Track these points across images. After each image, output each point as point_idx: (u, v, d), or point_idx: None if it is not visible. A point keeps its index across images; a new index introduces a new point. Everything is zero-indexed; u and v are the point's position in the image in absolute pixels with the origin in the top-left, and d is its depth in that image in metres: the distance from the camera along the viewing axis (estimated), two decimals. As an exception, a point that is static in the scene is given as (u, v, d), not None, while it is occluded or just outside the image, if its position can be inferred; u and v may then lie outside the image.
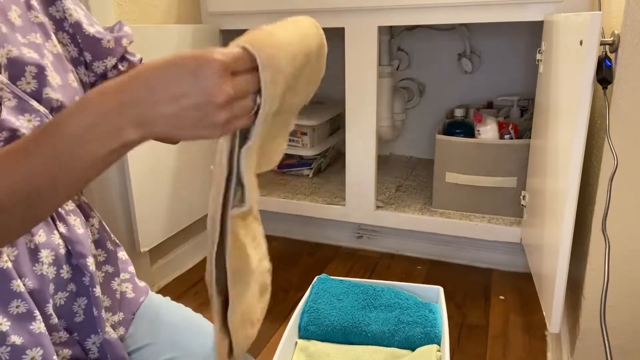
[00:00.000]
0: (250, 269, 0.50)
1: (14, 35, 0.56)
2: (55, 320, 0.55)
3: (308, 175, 1.97)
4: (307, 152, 1.95)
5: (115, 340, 0.60)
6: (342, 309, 0.86)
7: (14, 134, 0.52)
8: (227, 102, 0.39)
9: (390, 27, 1.87)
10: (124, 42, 0.67)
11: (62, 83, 0.58)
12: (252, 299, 0.52)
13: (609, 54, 0.92)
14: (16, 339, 0.50)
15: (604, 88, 0.92)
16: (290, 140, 1.96)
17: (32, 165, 0.41)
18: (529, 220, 1.39)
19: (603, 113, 0.92)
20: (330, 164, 2.12)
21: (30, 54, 0.56)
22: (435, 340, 0.81)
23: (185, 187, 1.52)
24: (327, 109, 2.05)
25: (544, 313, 1.06)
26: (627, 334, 0.97)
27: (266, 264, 0.57)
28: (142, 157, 1.35)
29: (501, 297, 1.44)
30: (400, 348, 0.83)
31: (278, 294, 1.47)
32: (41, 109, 0.55)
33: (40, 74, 0.56)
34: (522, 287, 1.48)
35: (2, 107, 0.52)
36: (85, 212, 0.63)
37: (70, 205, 0.61)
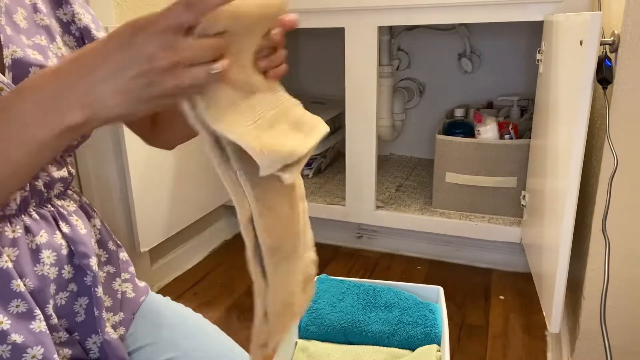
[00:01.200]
0: (292, 247, 0.47)
1: (19, 36, 0.56)
2: (55, 320, 0.55)
3: (308, 175, 1.97)
4: (307, 152, 1.94)
5: (115, 340, 0.60)
6: (342, 309, 0.86)
7: None
8: (171, 66, 0.37)
9: (390, 27, 1.87)
10: None
11: None
12: (295, 287, 0.50)
13: (609, 54, 0.92)
14: (17, 338, 0.50)
15: (604, 88, 0.92)
16: (290, 140, 1.96)
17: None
18: (529, 220, 1.39)
19: (603, 113, 0.92)
20: (330, 164, 2.12)
21: (34, 55, 0.56)
22: (435, 340, 0.81)
23: (185, 187, 1.52)
24: (327, 109, 2.05)
25: (544, 313, 1.07)
26: (627, 334, 0.97)
27: (312, 255, 0.54)
28: (142, 157, 1.35)
29: (501, 297, 1.44)
30: (400, 348, 0.83)
31: (278, 294, 1.47)
32: None
33: None
34: (522, 287, 1.48)
35: None
36: (87, 212, 0.64)
37: (72, 206, 0.61)
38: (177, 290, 1.52)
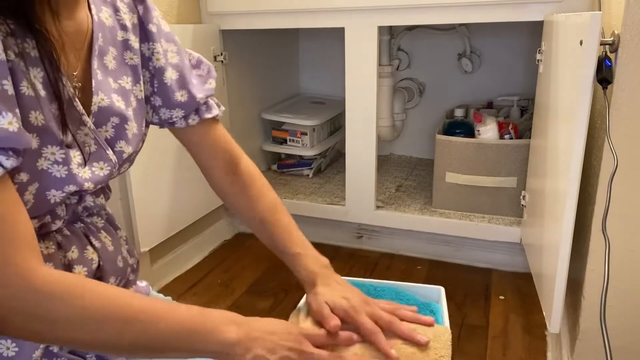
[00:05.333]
0: None
1: (107, 80, 0.58)
2: None
3: (308, 175, 1.97)
4: (307, 152, 1.95)
5: None
6: None
7: (82, 189, 0.54)
8: (302, 352, 0.54)
9: (390, 27, 1.87)
10: (199, 96, 0.67)
11: (137, 132, 0.61)
12: None
13: (609, 54, 0.92)
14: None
15: (604, 88, 0.92)
16: (290, 140, 1.96)
17: (180, 340, 0.49)
18: (529, 220, 1.39)
19: (603, 113, 0.92)
20: (330, 164, 2.12)
21: (118, 104, 0.58)
22: None
23: (185, 187, 1.52)
24: (327, 109, 2.05)
25: (544, 313, 1.07)
26: (627, 334, 0.97)
27: None
28: (142, 157, 1.34)
29: (501, 297, 1.44)
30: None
31: (278, 294, 1.47)
32: (113, 158, 0.58)
33: (121, 126, 0.58)
34: (522, 287, 1.48)
35: (83, 152, 0.54)
36: (114, 225, 0.66)
37: (100, 222, 0.63)
38: (177, 290, 1.52)
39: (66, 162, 0.52)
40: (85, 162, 0.54)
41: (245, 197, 0.72)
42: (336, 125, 2.13)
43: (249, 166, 0.74)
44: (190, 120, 0.68)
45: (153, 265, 1.52)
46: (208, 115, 0.69)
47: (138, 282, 0.70)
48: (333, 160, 2.15)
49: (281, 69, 2.15)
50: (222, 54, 1.64)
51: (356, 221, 1.69)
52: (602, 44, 0.90)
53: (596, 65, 0.85)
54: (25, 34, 0.47)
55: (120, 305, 0.47)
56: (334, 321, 0.61)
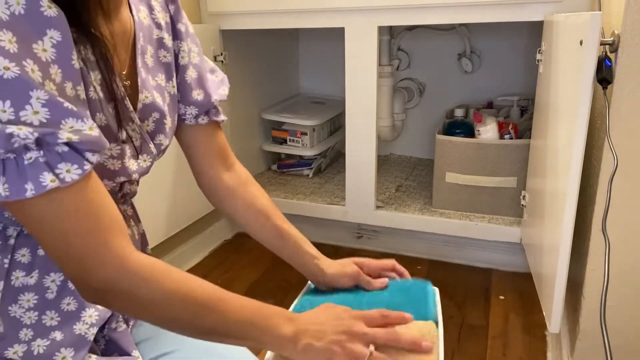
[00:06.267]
0: None
1: (148, 77, 0.61)
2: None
3: (308, 175, 1.97)
4: (307, 152, 1.95)
5: (124, 331, 0.62)
6: (337, 301, 0.81)
7: (129, 180, 0.58)
8: (354, 334, 0.55)
9: (390, 27, 1.87)
10: (214, 98, 0.71)
11: (171, 125, 0.65)
12: None
13: (609, 54, 0.92)
14: (57, 335, 0.54)
15: (604, 88, 0.92)
16: (290, 140, 1.96)
17: (241, 331, 0.53)
18: (529, 220, 1.40)
19: (603, 113, 0.92)
20: (330, 164, 2.12)
21: (159, 100, 0.62)
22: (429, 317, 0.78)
23: (185, 187, 1.52)
24: (327, 109, 2.05)
25: (544, 313, 1.06)
26: (627, 334, 0.97)
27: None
28: (142, 157, 1.35)
29: (501, 297, 1.44)
30: None
31: (277, 294, 1.47)
32: (154, 150, 0.62)
33: (160, 121, 0.62)
34: (522, 287, 1.48)
35: (135, 147, 0.58)
36: (138, 218, 0.69)
37: (129, 210, 0.67)
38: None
39: (121, 156, 0.56)
40: (137, 154, 0.59)
41: (243, 191, 0.76)
42: (336, 125, 2.13)
43: (243, 168, 0.79)
44: (199, 120, 0.71)
45: (153, 265, 1.52)
46: (216, 119, 0.72)
47: None
48: (333, 160, 2.15)
49: (281, 69, 2.15)
50: (222, 54, 1.64)
51: (356, 221, 1.69)
52: (602, 44, 0.91)
53: (596, 65, 0.85)
54: (83, 39, 0.50)
55: (196, 291, 0.51)
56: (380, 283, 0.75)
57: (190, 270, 1.64)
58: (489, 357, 1.21)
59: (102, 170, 0.54)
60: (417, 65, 2.06)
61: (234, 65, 1.75)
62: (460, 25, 1.87)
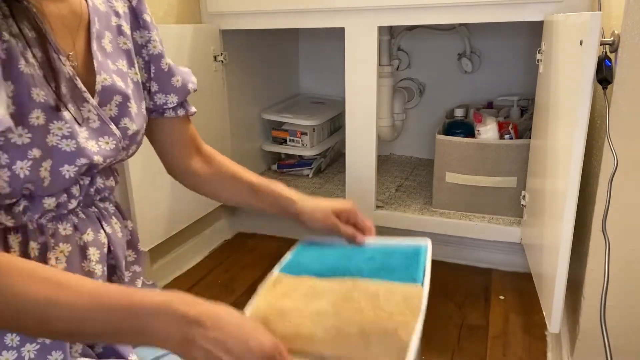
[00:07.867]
0: None
1: (107, 61, 0.61)
2: None
3: (308, 175, 1.97)
4: (307, 152, 1.95)
5: None
6: (323, 263, 0.77)
7: (92, 162, 0.57)
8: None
9: (390, 27, 1.87)
10: (190, 86, 0.73)
11: (137, 112, 0.64)
12: None
13: (609, 54, 0.92)
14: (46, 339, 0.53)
15: (604, 88, 0.92)
16: (290, 140, 1.96)
17: (96, 318, 0.48)
18: (529, 220, 1.40)
19: (603, 113, 0.92)
20: (330, 164, 2.12)
21: (119, 83, 0.61)
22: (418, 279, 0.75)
23: (185, 187, 1.52)
24: (327, 109, 2.05)
25: (544, 313, 1.06)
26: (627, 334, 0.97)
27: None
28: (142, 157, 1.34)
29: (501, 297, 1.44)
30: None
31: (278, 294, 1.47)
32: (117, 133, 0.60)
33: (124, 104, 0.62)
34: (522, 287, 1.48)
35: (87, 127, 0.57)
36: (123, 214, 0.68)
37: (111, 208, 0.66)
38: (177, 290, 1.52)
39: (73, 135, 0.55)
40: (91, 136, 0.58)
41: (216, 168, 0.79)
42: (336, 125, 2.13)
43: (207, 146, 0.81)
44: (178, 112, 0.73)
45: (153, 265, 1.52)
46: (192, 110, 0.75)
47: (145, 280, 0.70)
48: (333, 160, 2.15)
49: (281, 69, 2.14)
50: (222, 54, 1.64)
51: (356, 221, 1.69)
52: (602, 44, 0.91)
53: (596, 65, 0.85)
54: (23, 15, 0.50)
55: (42, 279, 0.48)
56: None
57: (190, 270, 1.64)
58: (489, 357, 1.21)
59: (58, 154, 0.54)
60: (417, 65, 2.06)
61: (234, 65, 1.75)
62: (460, 25, 1.87)
